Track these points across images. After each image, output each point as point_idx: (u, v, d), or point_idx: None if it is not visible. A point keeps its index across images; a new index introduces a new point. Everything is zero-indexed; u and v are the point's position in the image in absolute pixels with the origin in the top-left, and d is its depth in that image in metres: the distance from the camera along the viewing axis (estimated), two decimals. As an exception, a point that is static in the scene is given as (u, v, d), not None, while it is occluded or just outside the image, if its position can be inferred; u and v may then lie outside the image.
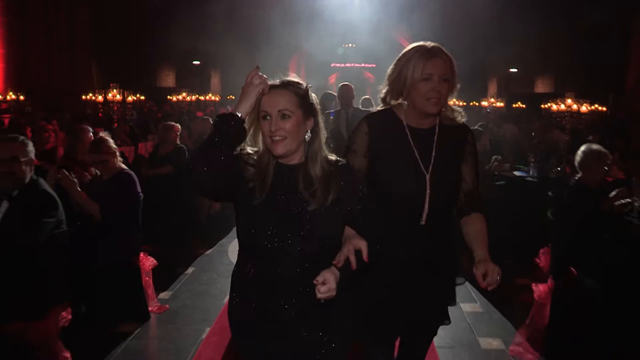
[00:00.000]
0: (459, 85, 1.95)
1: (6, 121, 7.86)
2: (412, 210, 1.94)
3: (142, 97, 10.72)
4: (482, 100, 19.69)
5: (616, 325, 3.13)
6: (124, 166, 3.59)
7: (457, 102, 15.21)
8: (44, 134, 4.98)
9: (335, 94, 5.96)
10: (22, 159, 2.62)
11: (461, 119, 2.02)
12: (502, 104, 18.98)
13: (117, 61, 16.63)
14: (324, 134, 1.72)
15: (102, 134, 3.55)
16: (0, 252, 2.55)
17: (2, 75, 12.01)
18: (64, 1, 13.34)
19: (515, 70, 20.01)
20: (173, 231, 5.13)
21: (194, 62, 20.65)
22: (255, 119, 1.67)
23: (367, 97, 7.40)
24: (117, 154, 3.56)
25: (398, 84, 1.93)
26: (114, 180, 3.46)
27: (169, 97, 17.14)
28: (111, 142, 3.50)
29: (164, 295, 4.02)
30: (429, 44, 1.92)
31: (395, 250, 1.92)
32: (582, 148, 3.49)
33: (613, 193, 3.42)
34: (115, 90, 9.59)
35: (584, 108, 11.62)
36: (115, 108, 9.15)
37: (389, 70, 1.99)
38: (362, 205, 1.71)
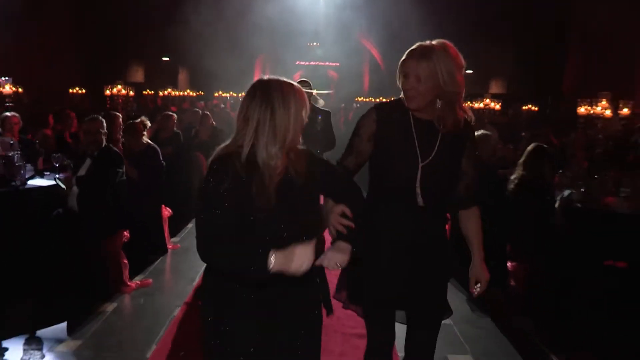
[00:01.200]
0: (461, 86, 2.01)
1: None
2: (408, 195, 2.08)
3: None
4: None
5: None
6: (150, 142, 5.05)
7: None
8: (69, 119, 6.38)
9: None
10: (102, 131, 4.08)
11: (469, 117, 2.13)
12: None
13: (89, 57, 17.77)
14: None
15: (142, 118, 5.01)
16: (86, 193, 4.00)
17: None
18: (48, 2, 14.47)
19: (471, 71, 21.97)
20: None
21: (164, 59, 21.82)
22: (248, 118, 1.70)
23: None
24: (145, 133, 5.02)
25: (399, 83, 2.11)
26: (145, 152, 4.91)
27: (144, 92, 18.33)
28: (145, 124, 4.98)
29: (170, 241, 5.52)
30: (425, 43, 2.03)
31: (394, 231, 2.11)
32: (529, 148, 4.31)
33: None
34: (120, 86, 10.96)
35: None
36: (120, 101, 10.51)
37: None
38: (338, 182, 1.92)
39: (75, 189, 4.03)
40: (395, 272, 2.12)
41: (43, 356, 3.17)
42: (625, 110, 9.74)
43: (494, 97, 18.84)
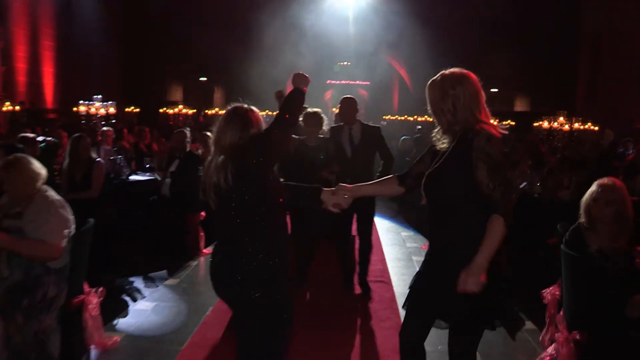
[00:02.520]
0: (475, 97, 2.30)
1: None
2: (427, 202, 2.47)
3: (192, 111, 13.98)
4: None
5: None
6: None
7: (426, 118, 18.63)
8: (143, 133, 8.31)
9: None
10: (186, 140, 5.92)
11: (476, 130, 2.27)
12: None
13: (135, 77, 20.05)
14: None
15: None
16: (175, 183, 5.83)
17: (52, 89, 15.36)
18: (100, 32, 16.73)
19: (496, 90, 23.54)
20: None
21: (201, 79, 24.02)
22: None
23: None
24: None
25: None
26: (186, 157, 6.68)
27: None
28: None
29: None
30: (437, 77, 2.40)
31: (430, 240, 2.54)
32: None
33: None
34: (180, 106, 13.03)
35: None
36: (181, 118, 12.55)
37: None
38: None
39: (167, 180, 5.86)
40: (424, 283, 2.48)
41: (157, 286, 4.97)
42: (576, 125, 11.77)
43: (518, 115, 20.35)
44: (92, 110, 6.93)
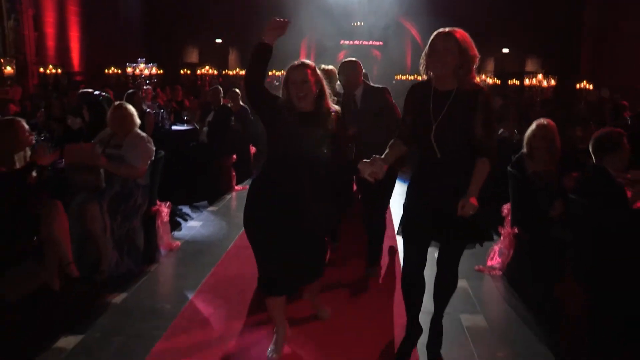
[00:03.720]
0: (476, 58, 2.86)
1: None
2: (428, 150, 2.95)
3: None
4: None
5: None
6: (243, 104, 8.21)
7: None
8: (176, 91, 9.68)
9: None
10: (220, 95, 7.29)
11: (477, 83, 2.90)
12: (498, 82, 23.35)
13: (151, 38, 21.32)
14: (328, 92, 3.14)
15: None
16: (212, 130, 7.21)
17: (78, 54, 16.71)
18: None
19: (507, 50, 24.49)
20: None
21: (216, 41, 25.17)
22: (285, 84, 3.06)
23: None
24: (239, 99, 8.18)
25: (424, 57, 2.92)
26: (240, 111, 8.05)
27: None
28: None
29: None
30: (448, 29, 2.87)
31: (423, 172, 3.06)
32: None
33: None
34: (207, 67, 14.36)
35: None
36: (207, 78, 13.93)
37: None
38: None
39: (205, 129, 7.25)
40: (424, 207, 3.02)
41: (201, 212, 6.42)
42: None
43: (529, 74, 21.36)
44: (137, 71, 8.26)
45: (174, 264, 4.96)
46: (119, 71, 14.19)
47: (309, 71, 3.01)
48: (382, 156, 3.08)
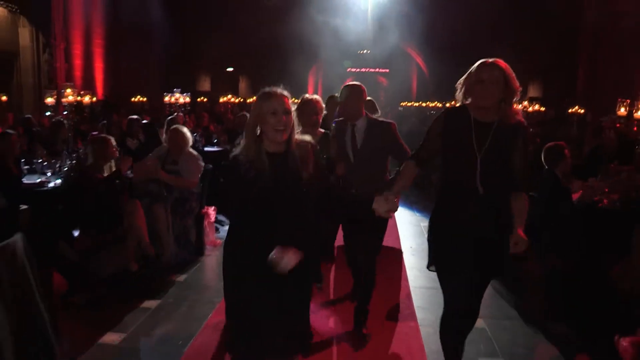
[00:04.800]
0: (517, 91, 2.83)
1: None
2: (469, 184, 2.89)
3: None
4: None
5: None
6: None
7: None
8: (202, 118, 11.09)
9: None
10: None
11: (518, 118, 2.88)
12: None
13: (168, 68, 22.90)
14: (297, 128, 2.75)
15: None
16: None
17: (102, 82, 18.30)
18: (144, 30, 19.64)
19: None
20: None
21: (228, 70, 26.80)
22: (257, 117, 2.64)
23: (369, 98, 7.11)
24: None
25: (465, 86, 2.91)
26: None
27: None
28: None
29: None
30: (491, 59, 2.85)
31: (457, 213, 2.95)
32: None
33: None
34: (230, 95, 15.89)
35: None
36: (230, 106, 15.42)
37: (461, 79, 2.96)
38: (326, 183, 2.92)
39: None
40: (462, 238, 2.93)
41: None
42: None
43: (532, 100, 22.72)
44: (172, 99, 9.61)
45: (217, 256, 6.22)
46: (144, 99, 15.71)
47: (287, 100, 2.67)
48: (393, 187, 3.07)
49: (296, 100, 3.41)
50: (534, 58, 23.29)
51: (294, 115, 2.70)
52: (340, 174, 3.96)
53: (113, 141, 5.47)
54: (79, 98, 7.62)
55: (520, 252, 2.86)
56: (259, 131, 2.68)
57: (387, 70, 32.74)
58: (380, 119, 4.40)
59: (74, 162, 6.03)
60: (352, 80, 4.67)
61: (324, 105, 4.44)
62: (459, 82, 2.98)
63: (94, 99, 9.43)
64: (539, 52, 22.82)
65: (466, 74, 2.92)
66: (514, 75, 2.84)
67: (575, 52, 21.08)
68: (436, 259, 3.13)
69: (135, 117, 8.49)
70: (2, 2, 13.91)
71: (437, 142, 3.02)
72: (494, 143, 2.86)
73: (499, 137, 2.86)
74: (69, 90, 6.45)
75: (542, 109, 16.21)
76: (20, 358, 2.98)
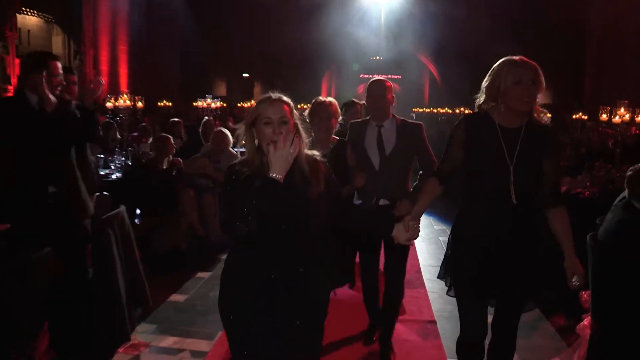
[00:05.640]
0: (543, 91, 2.64)
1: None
2: (501, 195, 2.67)
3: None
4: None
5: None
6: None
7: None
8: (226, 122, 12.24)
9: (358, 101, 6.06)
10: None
11: (546, 120, 2.71)
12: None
13: (186, 74, 24.18)
14: (304, 137, 2.47)
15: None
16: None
17: (126, 87, 19.57)
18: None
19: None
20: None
21: (244, 75, 28.05)
22: (251, 126, 2.41)
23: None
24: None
25: (492, 90, 2.67)
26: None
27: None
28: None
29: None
30: (516, 57, 2.66)
31: (490, 223, 2.73)
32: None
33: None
34: (253, 101, 17.07)
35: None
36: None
37: (484, 82, 2.74)
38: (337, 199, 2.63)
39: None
40: (489, 267, 2.74)
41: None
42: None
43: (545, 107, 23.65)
44: (204, 105, 10.69)
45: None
46: (170, 104, 17.04)
47: (287, 108, 2.41)
48: (415, 209, 2.89)
49: (305, 106, 3.97)
50: (543, 65, 24.33)
51: (299, 124, 2.47)
52: (360, 186, 3.67)
53: (172, 140, 6.59)
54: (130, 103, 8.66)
55: (578, 285, 2.74)
56: (257, 142, 2.42)
57: (400, 77, 33.62)
58: (409, 120, 3.98)
59: (125, 158, 7.15)
60: (364, 86, 4.68)
61: (339, 110, 3.99)
62: (483, 87, 2.77)
63: (139, 103, 10.46)
64: (548, 59, 23.78)
65: (492, 77, 2.71)
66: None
67: (583, 59, 22.12)
68: (457, 278, 2.92)
69: (177, 119, 9.64)
70: (39, 13, 15.17)
71: (459, 152, 2.83)
72: (524, 149, 2.68)
73: (528, 143, 2.68)
74: (125, 96, 7.55)
75: (549, 115, 17.24)
76: (127, 295, 4.12)
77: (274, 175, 2.24)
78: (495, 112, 2.74)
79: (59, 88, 3.69)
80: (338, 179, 3.08)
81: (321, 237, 2.54)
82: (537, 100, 2.68)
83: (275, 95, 2.45)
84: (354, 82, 32.27)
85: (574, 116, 15.44)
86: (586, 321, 3.65)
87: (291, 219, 2.40)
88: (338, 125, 4.27)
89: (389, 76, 35.79)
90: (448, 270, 2.99)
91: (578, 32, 21.83)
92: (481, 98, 2.80)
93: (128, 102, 7.29)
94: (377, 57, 32.20)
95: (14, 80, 13.69)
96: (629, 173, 3.59)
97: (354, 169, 3.79)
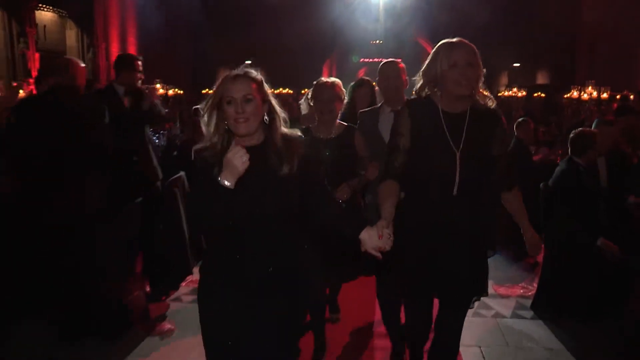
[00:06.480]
0: (484, 71, 2.60)
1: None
2: (445, 183, 2.62)
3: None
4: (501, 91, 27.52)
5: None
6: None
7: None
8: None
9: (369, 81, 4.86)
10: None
11: (492, 104, 2.68)
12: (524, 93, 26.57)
13: (194, 64, 25.40)
14: (281, 115, 2.38)
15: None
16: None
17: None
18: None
19: (518, 64, 28.10)
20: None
21: (247, 62, 29.09)
22: (215, 106, 2.28)
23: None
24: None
25: (430, 75, 2.65)
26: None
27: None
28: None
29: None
30: (454, 39, 2.63)
31: (431, 216, 2.67)
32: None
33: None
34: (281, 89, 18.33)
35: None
36: None
37: (423, 67, 2.69)
38: (321, 183, 2.46)
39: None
40: (432, 260, 2.68)
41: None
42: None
43: (540, 88, 24.85)
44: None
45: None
46: (182, 92, 18.47)
47: (254, 84, 2.33)
48: (383, 213, 2.58)
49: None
50: (540, 47, 25.50)
51: (273, 101, 2.40)
52: (373, 178, 3.50)
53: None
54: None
55: (537, 254, 2.87)
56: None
57: (399, 60, 34.34)
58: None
59: (159, 141, 8.39)
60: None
61: (344, 90, 3.82)
62: (421, 71, 2.75)
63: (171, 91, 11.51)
64: (545, 43, 24.96)
65: (429, 61, 2.68)
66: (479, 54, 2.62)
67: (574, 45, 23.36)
68: (396, 273, 2.87)
69: (199, 106, 10.86)
70: (54, 9, 16.36)
71: (407, 142, 2.71)
72: (469, 135, 2.64)
73: (474, 128, 2.65)
74: (158, 85, 8.78)
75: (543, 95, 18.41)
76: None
77: (224, 181, 2.16)
78: (437, 97, 2.71)
79: (140, 80, 4.93)
80: (343, 170, 3.37)
81: (296, 231, 2.43)
82: (480, 83, 2.65)
83: (240, 70, 2.39)
84: (353, 67, 33.35)
85: (565, 96, 16.66)
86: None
87: (261, 212, 2.29)
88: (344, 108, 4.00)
89: (390, 60, 36.62)
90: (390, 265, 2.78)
91: (572, 20, 23.00)
92: (419, 83, 2.79)
93: (161, 91, 8.49)
94: (377, 41, 33.08)
95: (34, 73, 14.92)
96: (571, 136, 4.87)
97: (365, 159, 3.67)
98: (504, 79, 30.17)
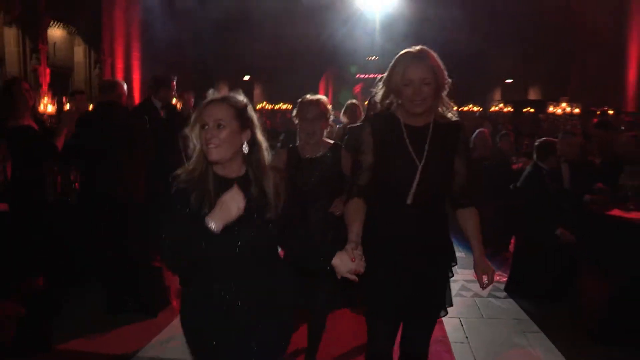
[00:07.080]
0: (448, 83, 2.53)
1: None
2: (401, 193, 2.58)
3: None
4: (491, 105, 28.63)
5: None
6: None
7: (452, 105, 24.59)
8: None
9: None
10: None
11: (453, 117, 2.64)
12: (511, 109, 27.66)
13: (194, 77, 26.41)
14: (265, 146, 2.27)
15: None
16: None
17: (139, 92, 21.79)
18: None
19: (511, 80, 29.28)
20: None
21: (244, 79, 30.29)
22: (194, 129, 2.25)
23: (354, 101, 7.08)
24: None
25: (390, 87, 2.59)
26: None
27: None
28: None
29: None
30: (415, 48, 2.52)
31: (389, 230, 2.63)
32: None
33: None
34: (265, 102, 19.28)
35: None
36: (265, 112, 18.88)
37: (385, 75, 2.59)
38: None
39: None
40: (393, 281, 2.61)
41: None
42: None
43: (529, 103, 25.97)
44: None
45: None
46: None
47: (230, 110, 2.27)
48: (351, 235, 2.56)
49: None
50: (534, 63, 26.66)
51: (258, 129, 2.33)
52: (337, 214, 3.52)
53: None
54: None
55: (490, 284, 2.68)
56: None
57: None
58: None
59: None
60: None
61: (329, 107, 3.75)
62: (382, 82, 2.70)
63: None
64: (539, 58, 26.12)
65: (389, 69, 2.62)
66: (442, 65, 2.57)
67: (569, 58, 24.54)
68: (360, 290, 2.74)
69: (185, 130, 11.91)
70: (64, 25, 17.39)
71: (371, 157, 2.67)
72: (431, 149, 2.60)
73: (436, 141, 2.62)
74: (174, 99, 9.75)
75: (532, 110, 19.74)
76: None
77: (211, 224, 2.06)
78: (399, 110, 2.66)
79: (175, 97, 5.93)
80: (330, 189, 3.52)
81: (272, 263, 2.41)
82: (443, 94, 2.62)
83: (217, 95, 2.32)
84: (350, 83, 34.41)
85: (559, 109, 17.91)
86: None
87: (239, 244, 2.24)
88: (338, 127, 4.32)
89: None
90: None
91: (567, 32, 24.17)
92: (379, 93, 2.72)
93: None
94: (373, 58, 33.98)
95: (44, 88, 15.90)
96: (536, 144, 5.91)
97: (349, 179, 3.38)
98: (497, 95, 31.37)
